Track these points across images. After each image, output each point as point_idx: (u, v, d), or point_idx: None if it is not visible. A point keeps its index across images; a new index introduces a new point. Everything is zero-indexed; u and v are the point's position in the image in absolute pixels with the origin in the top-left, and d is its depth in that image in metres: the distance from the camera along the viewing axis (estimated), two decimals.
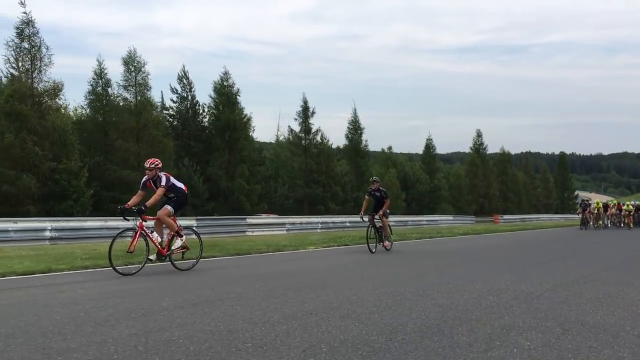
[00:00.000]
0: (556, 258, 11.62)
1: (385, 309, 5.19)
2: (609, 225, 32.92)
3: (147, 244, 8.67)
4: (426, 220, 37.63)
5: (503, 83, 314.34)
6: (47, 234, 16.22)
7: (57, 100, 24.74)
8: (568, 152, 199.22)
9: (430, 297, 5.90)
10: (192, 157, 30.44)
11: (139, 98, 27.21)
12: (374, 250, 12.57)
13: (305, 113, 38.77)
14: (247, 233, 22.58)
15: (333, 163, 39.41)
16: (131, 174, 25.74)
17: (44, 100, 24.09)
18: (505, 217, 48.56)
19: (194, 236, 9.80)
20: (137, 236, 8.44)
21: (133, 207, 8.57)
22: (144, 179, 8.92)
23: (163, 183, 8.70)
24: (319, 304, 5.45)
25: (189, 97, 32.38)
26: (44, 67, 24.23)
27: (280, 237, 20.42)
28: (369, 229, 12.82)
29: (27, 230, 15.85)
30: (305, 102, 38.61)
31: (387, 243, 13.02)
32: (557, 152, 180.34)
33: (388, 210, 13.17)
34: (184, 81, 32.39)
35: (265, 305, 5.39)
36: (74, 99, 50.33)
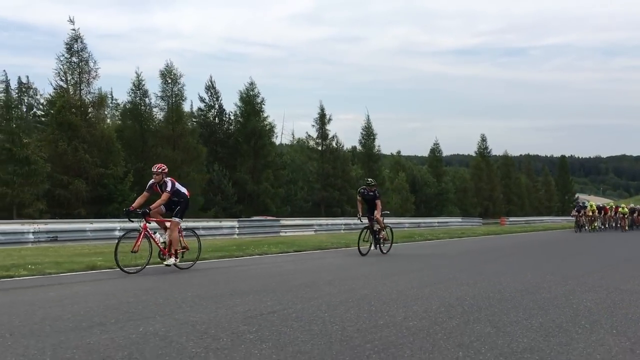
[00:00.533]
0: (579, 253, 13.71)
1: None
2: (603, 227, 32.46)
3: (150, 245, 8.95)
4: (437, 222, 39.57)
5: (502, 85, 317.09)
6: (117, 233, 18.12)
7: (102, 110, 26.59)
8: (567, 154, 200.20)
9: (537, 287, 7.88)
10: (218, 162, 32.38)
11: (174, 108, 29.12)
12: (364, 253, 12.05)
13: (322, 120, 40.73)
14: (281, 233, 24.48)
15: (348, 167, 41.38)
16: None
17: (92, 111, 25.99)
18: (511, 219, 50.45)
19: (194, 238, 10.06)
20: (141, 237, 8.71)
21: (138, 209, 8.84)
22: (150, 182, 9.16)
23: (168, 188, 8.93)
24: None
25: (216, 105, 34.34)
26: (91, 80, 26.19)
27: (320, 236, 22.35)
28: (364, 231, 12.37)
29: (101, 230, 17.72)
30: (322, 110, 40.62)
31: (384, 246, 12.75)
32: (556, 155, 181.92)
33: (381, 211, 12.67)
34: (211, 90, 34.36)
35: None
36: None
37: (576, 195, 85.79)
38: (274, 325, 4.55)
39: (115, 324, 4.57)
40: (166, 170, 9.07)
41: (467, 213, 55.42)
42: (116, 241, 8.75)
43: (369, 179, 13.12)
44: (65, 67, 25.96)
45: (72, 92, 25.99)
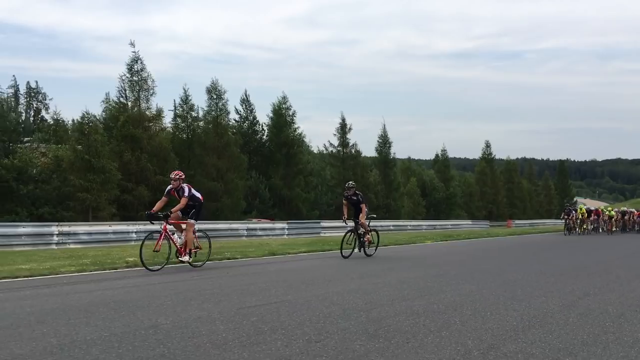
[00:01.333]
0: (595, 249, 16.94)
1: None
2: (592, 230, 32.71)
3: (170, 245, 9.67)
4: (451, 225, 42.86)
5: (497, 89, 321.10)
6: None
7: (159, 123, 29.72)
8: (562, 157, 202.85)
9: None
10: (255, 170, 35.51)
11: (219, 121, 32.28)
12: (347, 256, 12.25)
13: (343, 129, 43.91)
14: (321, 234, 27.65)
15: (367, 173, 44.53)
16: (216, 185, 30.78)
17: (151, 124, 29.12)
18: (516, 222, 53.73)
19: (205, 239, 10.75)
20: (161, 237, 9.43)
21: (159, 212, 9.64)
22: (168, 187, 9.96)
23: (186, 194, 9.76)
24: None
25: (250, 117, 37.50)
26: (150, 97, 29.32)
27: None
28: (348, 234, 12.62)
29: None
30: (343, 120, 43.75)
31: (369, 249, 13.01)
32: (552, 158, 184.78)
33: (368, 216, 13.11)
34: (246, 103, 37.55)
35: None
36: (74, 103, 55.67)
37: (575, 199, 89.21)
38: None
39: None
40: (183, 176, 9.98)
41: (473, 216, 58.63)
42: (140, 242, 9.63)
43: (348, 182, 13.42)
44: (126, 85, 29.12)
45: (132, 107, 29.13)
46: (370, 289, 7.31)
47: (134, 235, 19.04)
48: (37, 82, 59.32)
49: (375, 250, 13.30)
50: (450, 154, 67.19)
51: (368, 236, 12.88)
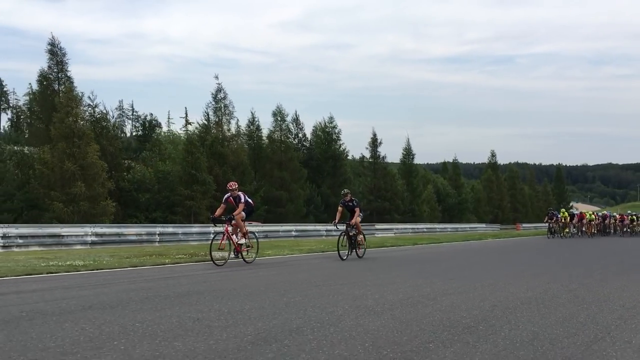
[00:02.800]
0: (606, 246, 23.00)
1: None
2: (575, 233, 33.68)
3: (230, 244, 11.22)
4: (469, 227, 49.11)
5: (490, 93, 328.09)
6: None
7: (237, 140, 35.67)
8: (554, 162, 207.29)
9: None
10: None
11: (283, 139, 38.31)
12: (344, 258, 12.96)
13: (375, 143, 50.06)
14: (375, 235, 33.66)
15: (395, 182, 50.63)
16: (282, 194, 36.72)
17: (232, 143, 35.08)
18: (524, 225, 60.13)
19: (254, 239, 12.38)
20: (224, 237, 11.03)
21: (222, 216, 11.37)
22: (226, 195, 11.74)
23: (242, 200, 11.60)
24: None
25: (300, 134, 43.53)
26: (231, 120, 35.26)
27: (406, 237, 31.56)
28: (342, 236, 13.32)
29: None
30: (375, 135, 49.90)
31: (360, 250, 13.75)
32: (544, 163, 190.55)
33: (361, 216, 13.87)
34: (296, 122, 43.57)
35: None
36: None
37: (571, 204, 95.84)
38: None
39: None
40: (238, 187, 11.92)
41: (482, 220, 64.88)
42: (210, 241, 11.47)
43: (344, 190, 14.62)
44: (210, 110, 35.09)
45: (216, 128, 35.09)
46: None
47: (211, 235, 25.16)
48: None
49: (364, 251, 14.12)
50: (442, 159, 73.53)
51: (360, 237, 13.77)
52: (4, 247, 15.25)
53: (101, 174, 24.62)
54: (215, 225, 12.03)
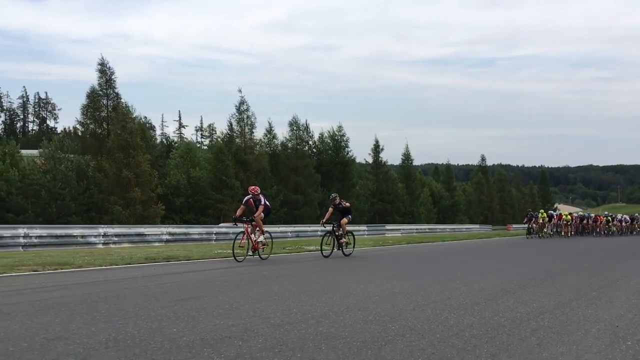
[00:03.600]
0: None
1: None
2: (552, 233, 34.12)
3: (249, 242, 12.04)
4: (465, 228, 52.87)
5: (473, 95, 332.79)
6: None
7: (258, 148, 38.99)
8: (537, 164, 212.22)
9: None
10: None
11: (299, 147, 41.72)
12: (327, 255, 13.51)
13: (377, 150, 53.61)
14: (386, 234, 37.17)
15: (396, 186, 54.25)
16: (298, 197, 40.10)
17: (256, 150, 38.40)
18: (514, 226, 64.16)
19: (270, 238, 13.26)
20: (244, 236, 11.91)
21: (243, 217, 12.35)
22: (246, 198, 12.69)
23: (262, 202, 12.51)
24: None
25: (310, 142, 46.92)
26: (253, 129, 38.57)
27: (413, 236, 35.07)
28: (327, 236, 14.00)
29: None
30: (377, 142, 53.43)
31: (347, 249, 14.29)
32: (527, 164, 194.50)
33: (349, 218, 14.58)
34: (306, 131, 46.95)
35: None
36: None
37: (555, 205, 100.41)
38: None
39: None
40: (259, 190, 12.84)
41: (472, 221, 68.82)
42: (232, 240, 12.32)
43: (332, 194, 15.35)
44: (233, 120, 38.38)
45: (239, 137, 38.38)
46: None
47: (232, 235, 28.46)
48: (46, 93, 66.96)
49: (352, 250, 14.69)
50: (427, 160, 77.65)
51: (344, 239, 14.26)
52: (104, 244, 18.37)
53: (152, 180, 27.77)
54: (236, 225, 13.14)
